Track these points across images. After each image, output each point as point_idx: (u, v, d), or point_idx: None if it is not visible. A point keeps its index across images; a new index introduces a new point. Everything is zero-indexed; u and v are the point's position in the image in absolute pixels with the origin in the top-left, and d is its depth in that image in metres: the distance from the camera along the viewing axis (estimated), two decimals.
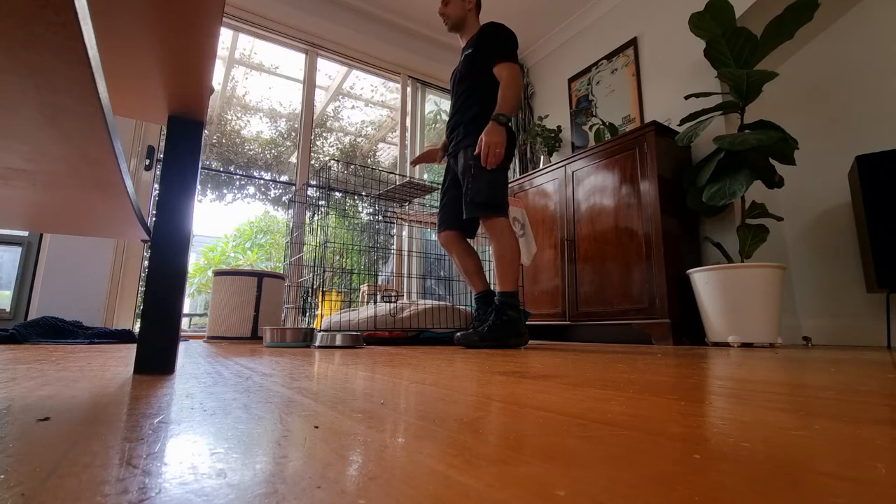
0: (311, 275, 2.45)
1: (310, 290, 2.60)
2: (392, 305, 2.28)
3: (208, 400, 0.45)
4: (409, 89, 3.72)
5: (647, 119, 2.87)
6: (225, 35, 3.49)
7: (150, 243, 0.73)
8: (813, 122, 2.41)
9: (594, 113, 3.28)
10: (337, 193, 3.07)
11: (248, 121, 4.50)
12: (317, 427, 0.33)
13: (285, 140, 4.51)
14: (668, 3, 2.84)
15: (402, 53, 3.50)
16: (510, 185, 3.15)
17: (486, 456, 0.26)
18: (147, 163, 2.58)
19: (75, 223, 0.75)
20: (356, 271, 2.97)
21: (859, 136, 2.24)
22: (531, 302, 2.86)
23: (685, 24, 2.44)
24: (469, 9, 1.95)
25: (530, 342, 2.39)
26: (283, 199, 4.54)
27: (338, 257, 2.60)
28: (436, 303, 2.32)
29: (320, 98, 4.27)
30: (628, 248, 2.35)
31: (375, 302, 2.47)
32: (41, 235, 2.30)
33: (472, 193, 1.76)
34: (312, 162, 3.22)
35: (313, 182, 3.00)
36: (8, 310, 2.24)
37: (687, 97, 2.31)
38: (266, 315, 2.26)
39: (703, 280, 2.05)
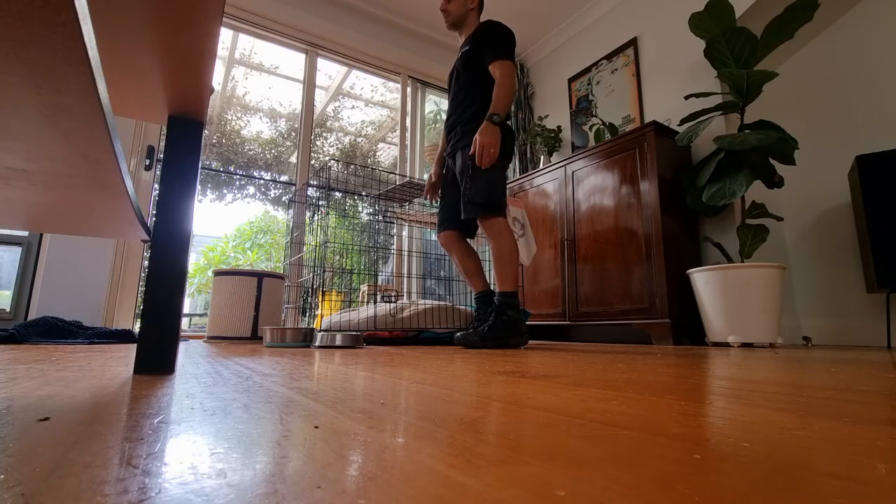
0: (311, 275, 2.45)
1: (310, 290, 2.60)
2: (392, 305, 2.28)
3: (208, 400, 0.45)
4: (409, 89, 3.72)
5: (647, 119, 2.87)
6: (225, 35, 3.49)
7: (150, 243, 0.73)
8: (813, 122, 2.41)
9: (594, 113, 3.27)
10: (337, 193, 3.07)
11: (248, 121, 4.51)
12: (317, 427, 0.33)
13: (285, 140, 4.51)
14: (668, 3, 2.84)
15: (402, 53, 3.50)
16: (510, 185, 3.15)
17: (486, 456, 0.26)
18: (147, 163, 2.58)
19: (75, 223, 0.75)
20: (356, 271, 2.97)
21: (859, 136, 2.24)
22: (531, 302, 2.86)
23: (685, 24, 2.44)
24: (471, 8, 1.94)
25: (530, 342, 2.39)
26: (283, 199, 4.54)
27: (338, 257, 2.60)
28: (436, 303, 2.32)
29: (320, 98, 4.27)
30: (628, 248, 2.35)
31: (375, 302, 2.47)
32: (41, 235, 2.30)
33: (470, 193, 1.75)
34: (312, 162, 3.22)
35: (313, 182, 3.00)
36: (8, 310, 2.24)
37: (687, 97, 2.31)
38: (266, 315, 2.26)
39: (703, 280, 2.05)
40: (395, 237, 3.43)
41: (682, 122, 2.31)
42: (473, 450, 0.27)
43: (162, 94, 0.70)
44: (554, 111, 3.64)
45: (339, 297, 2.70)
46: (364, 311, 2.23)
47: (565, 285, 2.67)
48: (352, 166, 2.79)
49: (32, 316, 2.15)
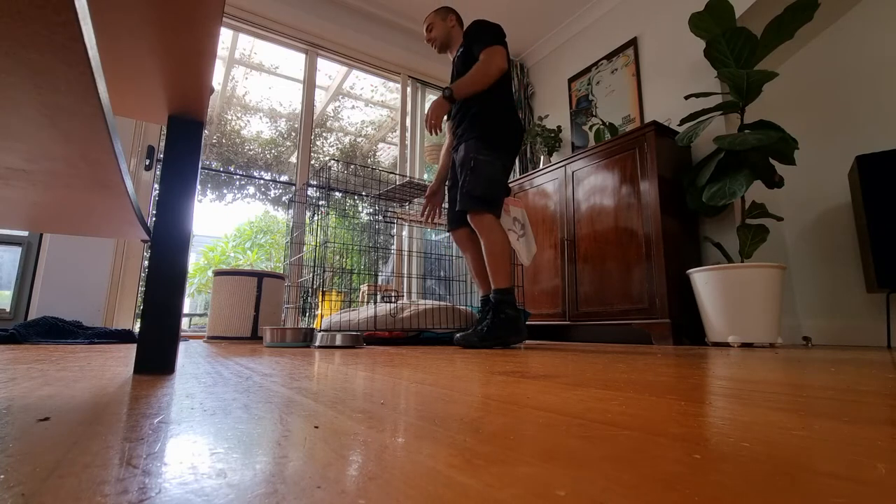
0: (311, 275, 2.45)
1: (310, 290, 2.60)
2: (392, 305, 2.28)
3: (208, 400, 0.45)
4: (409, 89, 3.72)
5: (647, 119, 2.87)
6: (225, 35, 3.49)
7: (150, 243, 0.73)
8: (813, 122, 2.41)
9: (594, 113, 3.27)
10: (337, 193, 3.07)
11: (248, 121, 4.51)
12: (317, 427, 0.33)
13: (285, 140, 4.51)
14: (668, 3, 2.84)
15: (402, 53, 3.50)
16: (510, 185, 3.15)
17: (486, 456, 0.26)
18: (147, 163, 2.58)
19: (75, 223, 0.75)
20: (356, 271, 2.97)
21: (859, 136, 2.24)
22: (531, 302, 2.86)
23: (685, 24, 2.44)
24: (451, 26, 2.02)
25: (530, 342, 2.39)
26: (283, 199, 4.54)
27: (338, 257, 2.60)
28: (436, 303, 2.32)
29: (320, 98, 4.27)
30: (628, 248, 2.35)
31: (375, 302, 2.47)
32: (41, 235, 2.30)
33: (468, 185, 1.75)
34: (312, 162, 3.22)
35: (313, 182, 3.00)
36: (8, 310, 2.24)
37: (687, 97, 2.31)
38: (266, 315, 2.26)
39: (703, 280, 2.05)
40: (395, 237, 3.43)
41: (682, 122, 2.31)
42: (473, 450, 0.27)
43: (162, 94, 0.70)
44: (554, 111, 3.64)
45: (339, 297, 2.70)
46: (364, 311, 2.23)
47: (565, 285, 2.67)
48: (352, 166, 2.79)
49: (32, 316, 2.15)
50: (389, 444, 0.28)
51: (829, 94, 2.37)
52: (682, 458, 0.25)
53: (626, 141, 2.45)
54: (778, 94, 2.51)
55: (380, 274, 3.54)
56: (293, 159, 3.49)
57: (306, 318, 2.78)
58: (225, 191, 4.58)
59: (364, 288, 2.90)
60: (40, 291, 2.19)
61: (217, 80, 3.97)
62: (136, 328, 2.35)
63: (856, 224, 2.12)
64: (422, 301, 2.42)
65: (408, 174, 3.33)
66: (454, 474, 0.22)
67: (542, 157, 3.41)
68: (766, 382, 0.62)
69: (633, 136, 2.42)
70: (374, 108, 4.94)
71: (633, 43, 3.04)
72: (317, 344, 1.68)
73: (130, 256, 2.50)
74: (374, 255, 2.92)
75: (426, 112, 1.76)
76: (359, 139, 5.03)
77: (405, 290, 3.28)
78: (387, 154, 5.02)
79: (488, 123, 1.82)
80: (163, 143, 2.58)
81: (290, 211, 3.12)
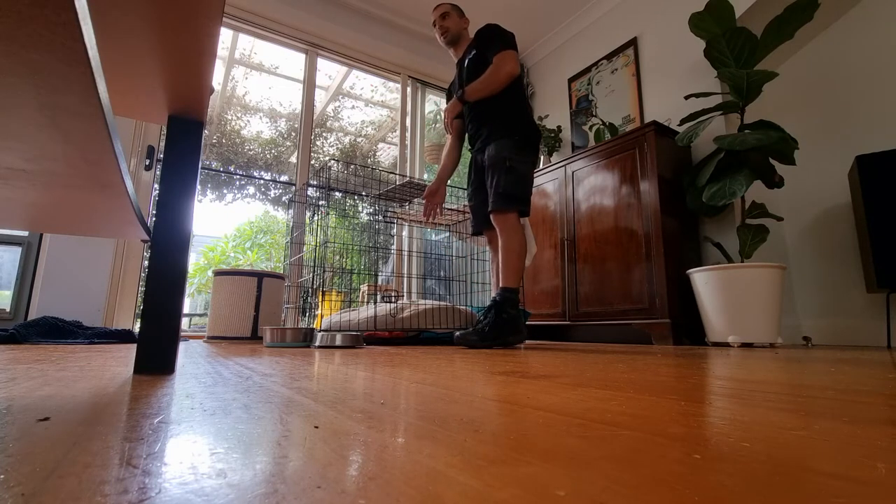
0: (311, 275, 2.45)
1: (310, 290, 2.60)
2: (392, 305, 2.28)
3: (208, 400, 0.45)
4: (409, 89, 3.72)
5: (647, 119, 2.87)
6: (225, 35, 3.49)
7: (150, 243, 0.73)
8: (813, 122, 2.41)
9: (594, 113, 3.27)
10: (337, 193, 3.07)
11: (248, 121, 4.50)
12: (317, 427, 0.33)
13: (285, 140, 4.51)
14: (668, 3, 2.84)
15: (402, 53, 3.50)
16: None
17: (486, 456, 0.26)
18: (147, 163, 2.58)
19: (75, 223, 0.75)
20: (356, 271, 2.97)
21: (859, 136, 2.24)
22: (531, 302, 2.86)
23: (685, 24, 2.44)
24: (465, 27, 2.05)
25: (530, 342, 2.39)
26: (283, 199, 4.54)
27: (338, 257, 2.60)
28: (436, 303, 2.32)
29: (320, 98, 4.27)
30: (628, 248, 2.35)
31: (375, 302, 2.47)
32: (41, 235, 2.30)
33: (503, 185, 1.76)
34: (312, 162, 3.22)
35: (313, 182, 3.00)
36: (8, 310, 2.24)
37: (687, 97, 2.31)
38: (266, 315, 2.26)
39: (703, 280, 2.05)
40: (395, 237, 3.43)
41: (682, 122, 2.31)
42: (473, 450, 0.27)
43: (162, 94, 0.70)
44: (554, 111, 3.64)
45: (339, 297, 2.70)
46: (364, 311, 2.23)
47: (565, 285, 2.67)
48: (352, 166, 2.79)
49: (32, 316, 2.15)
50: (389, 444, 0.28)
51: (829, 94, 2.37)
52: (682, 458, 0.25)
53: (625, 141, 2.45)
54: (778, 94, 2.51)
55: (380, 274, 3.54)
56: (293, 159, 3.49)
57: (306, 318, 2.78)
58: (225, 191, 4.57)
59: (364, 288, 2.90)
60: (40, 291, 2.19)
61: (217, 80, 3.97)
62: (136, 328, 2.35)
63: (856, 224, 2.12)
64: (422, 301, 2.42)
65: (408, 174, 3.33)
66: (454, 474, 0.22)
67: (542, 157, 3.41)
68: (766, 382, 0.62)
69: (633, 136, 2.42)
70: (374, 108, 4.94)
71: (633, 43, 3.04)
72: (317, 344, 1.68)
73: (130, 256, 2.50)
74: (374, 255, 2.92)
75: (444, 115, 1.94)
76: (359, 139, 5.03)
77: (405, 290, 3.28)
78: (387, 154, 5.02)
79: (517, 124, 1.85)
80: (163, 143, 2.58)
81: (290, 211, 3.12)
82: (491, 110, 1.89)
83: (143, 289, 2.32)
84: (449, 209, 2.55)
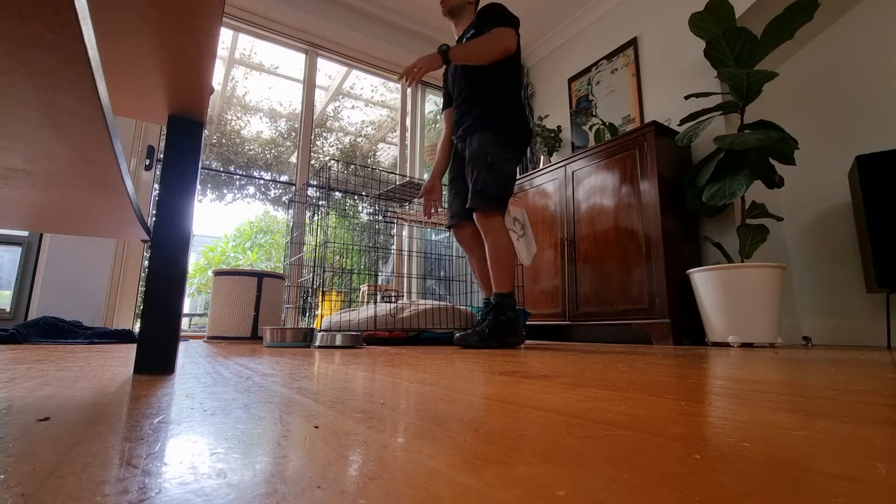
0: (311, 275, 2.45)
1: (310, 290, 2.60)
2: (392, 305, 2.28)
3: (208, 400, 0.45)
4: (408, 89, 3.72)
5: (647, 119, 2.87)
6: (225, 35, 3.49)
7: (150, 243, 0.73)
8: (813, 122, 2.41)
9: (594, 113, 3.27)
10: (337, 193, 3.07)
11: (248, 121, 4.51)
12: (317, 427, 0.33)
13: (285, 140, 4.51)
14: (668, 3, 2.84)
15: (402, 53, 3.50)
16: None
17: (486, 456, 0.26)
18: (147, 163, 2.58)
19: (75, 223, 0.75)
20: (356, 271, 2.97)
21: (859, 136, 2.24)
22: (531, 302, 2.86)
23: (685, 24, 2.44)
24: (469, 1, 1.92)
25: (530, 342, 2.39)
26: (283, 199, 4.54)
27: (338, 257, 2.60)
28: (436, 303, 2.32)
29: (320, 98, 4.27)
30: (628, 248, 2.34)
31: (375, 302, 2.47)
32: (41, 235, 2.30)
33: (482, 183, 1.69)
34: (312, 162, 3.22)
35: (313, 182, 3.00)
36: (8, 310, 2.24)
37: (687, 97, 2.31)
38: (266, 315, 2.26)
39: (703, 280, 2.05)
40: (395, 237, 3.43)
41: (682, 122, 2.31)
42: (474, 450, 0.27)
43: (162, 94, 0.70)
44: (554, 111, 3.64)
45: (339, 297, 2.70)
46: (364, 311, 2.23)
47: (565, 285, 2.66)
48: (352, 166, 2.79)
49: (32, 316, 2.15)
50: (389, 444, 0.28)
51: (829, 94, 2.37)
52: (682, 458, 0.25)
53: (626, 141, 2.45)
54: (778, 94, 2.51)
55: (380, 274, 3.54)
56: (293, 159, 3.49)
57: (306, 318, 2.78)
58: (225, 191, 4.58)
59: (364, 288, 2.90)
60: (40, 291, 2.19)
61: (217, 80, 3.97)
62: (136, 328, 2.35)
63: (856, 224, 2.12)
64: (422, 301, 2.42)
65: (408, 174, 3.33)
66: (454, 474, 0.22)
67: (542, 157, 3.41)
68: (766, 382, 0.62)
69: (633, 136, 2.42)
70: (374, 108, 4.94)
71: (633, 43, 3.04)
72: (317, 344, 1.68)
73: (130, 256, 2.50)
74: (374, 255, 2.92)
75: (413, 62, 1.62)
76: (359, 139, 5.03)
77: (405, 290, 3.28)
78: (387, 154, 5.02)
79: (503, 118, 1.76)
80: (163, 143, 2.58)
81: (290, 211, 3.12)
82: (480, 96, 1.79)
83: (143, 289, 2.32)
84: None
